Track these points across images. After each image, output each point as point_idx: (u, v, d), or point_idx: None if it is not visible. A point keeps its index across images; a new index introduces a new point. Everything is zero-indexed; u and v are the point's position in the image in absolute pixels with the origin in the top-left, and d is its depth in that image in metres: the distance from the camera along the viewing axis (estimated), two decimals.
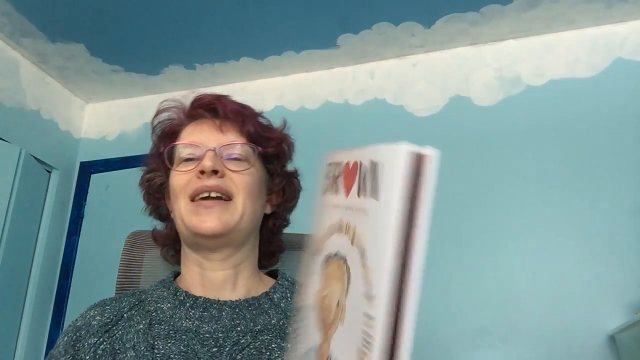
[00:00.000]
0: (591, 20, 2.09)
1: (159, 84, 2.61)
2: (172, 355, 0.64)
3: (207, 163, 0.69)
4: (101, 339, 0.66)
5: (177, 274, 0.78)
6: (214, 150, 0.71)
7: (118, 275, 0.84)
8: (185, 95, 0.80)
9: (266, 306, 0.72)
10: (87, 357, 0.65)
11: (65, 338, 0.67)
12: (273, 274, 0.81)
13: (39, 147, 2.45)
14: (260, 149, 0.76)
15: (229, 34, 2.23)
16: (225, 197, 0.70)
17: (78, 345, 0.66)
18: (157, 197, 0.80)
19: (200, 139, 0.73)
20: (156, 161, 0.79)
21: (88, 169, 2.68)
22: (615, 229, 1.85)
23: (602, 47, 2.09)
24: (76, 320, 0.70)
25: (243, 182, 0.73)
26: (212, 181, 0.69)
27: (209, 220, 0.68)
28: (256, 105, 0.81)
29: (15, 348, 2.26)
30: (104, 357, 0.64)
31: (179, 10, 2.08)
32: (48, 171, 2.56)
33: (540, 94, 2.11)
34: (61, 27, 2.23)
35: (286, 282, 0.77)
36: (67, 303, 2.47)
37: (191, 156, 0.73)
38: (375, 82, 2.37)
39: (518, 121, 2.10)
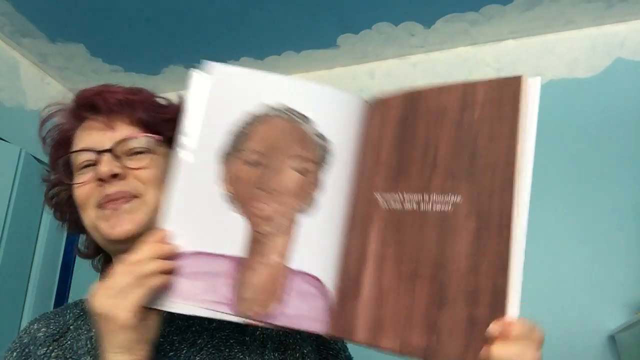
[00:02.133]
0: (591, 20, 2.09)
1: (159, 84, 2.61)
2: None
3: (103, 168, 0.64)
4: (51, 347, 0.65)
5: None
6: (110, 151, 0.66)
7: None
8: (67, 95, 0.75)
9: None
10: None
11: (14, 354, 0.65)
12: None
13: (39, 147, 2.44)
14: (157, 137, 0.70)
15: (229, 34, 2.23)
16: (133, 197, 0.66)
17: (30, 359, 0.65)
18: (70, 211, 0.75)
19: (91, 142, 0.68)
20: (56, 176, 0.74)
21: None
22: (615, 228, 1.85)
23: (602, 47, 2.09)
24: (21, 337, 0.68)
25: (149, 175, 0.67)
26: (114, 188, 0.65)
27: (118, 224, 0.64)
28: None
29: None
30: None
31: (178, 10, 2.08)
32: (48, 171, 2.55)
33: (541, 94, 2.10)
34: (61, 27, 2.22)
35: None
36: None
37: (88, 162, 0.68)
38: (375, 82, 2.37)
39: None
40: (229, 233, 0.53)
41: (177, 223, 0.55)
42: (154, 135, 0.69)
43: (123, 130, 0.68)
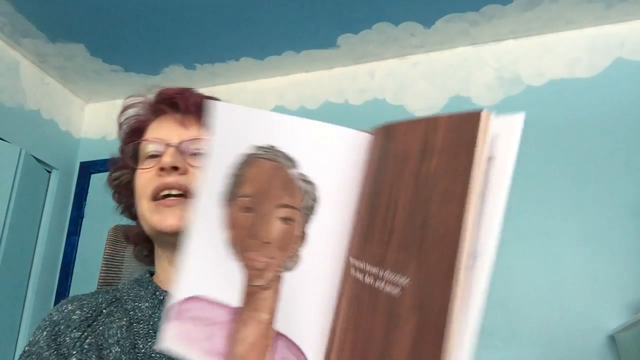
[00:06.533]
0: (591, 20, 2.09)
1: (159, 84, 2.61)
2: (153, 355, 0.63)
3: (167, 159, 0.68)
4: (85, 333, 0.65)
5: (152, 273, 0.77)
6: (175, 146, 0.70)
7: (101, 269, 0.83)
8: (151, 89, 0.80)
9: None
10: (74, 352, 0.63)
11: (44, 333, 0.65)
12: None
13: (39, 147, 2.45)
14: None
15: (229, 34, 2.23)
16: (187, 194, 0.68)
17: (59, 339, 0.65)
18: (127, 195, 0.79)
19: (163, 135, 0.72)
20: (123, 159, 0.78)
21: (88, 169, 2.68)
22: (616, 229, 1.85)
23: (602, 47, 2.09)
24: (51, 314, 0.68)
25: None
26: (171, 178, 0.68)
27: (169, 217, 0.67)
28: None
29: (16, 348, 2.26)
30: (90, 352, 0.63)
31: (178, 10, 2.08)
32: (48, 171, 2.56)
33: (540, 94, 2.11)
34: (61, 27, 2.23)
35: None
36: None
37: (155, 153, 0.71)
38: (375, 82, 2.37)
39: None
40: (228, 281, 0.50)
41: (186, 265, 0.53)
42: None
43: (193, 131, 0.73)
